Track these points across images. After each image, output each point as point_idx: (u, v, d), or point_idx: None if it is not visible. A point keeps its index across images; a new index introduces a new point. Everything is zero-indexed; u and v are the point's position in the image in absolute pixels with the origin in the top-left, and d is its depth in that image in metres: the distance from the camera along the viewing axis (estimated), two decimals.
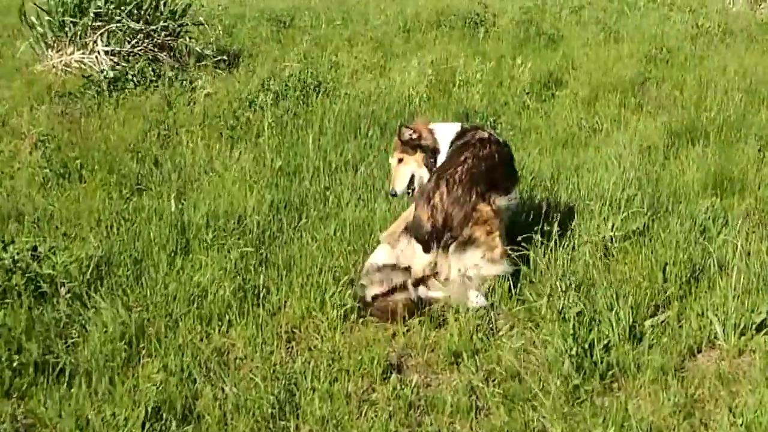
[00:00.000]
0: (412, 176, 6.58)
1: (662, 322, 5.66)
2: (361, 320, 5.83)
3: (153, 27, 12.64)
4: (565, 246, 6.45)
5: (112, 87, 10.97)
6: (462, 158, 6.24)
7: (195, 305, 5.83)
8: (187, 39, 13.30)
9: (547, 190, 7.81)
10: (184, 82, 11.26)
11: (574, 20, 16.65)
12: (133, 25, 12.36)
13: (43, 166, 8.33)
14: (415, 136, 6.53)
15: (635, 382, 5.10)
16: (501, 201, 6.24)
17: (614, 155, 8.68)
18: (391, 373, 5.23)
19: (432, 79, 11.49)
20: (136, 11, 12.53)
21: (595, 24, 16.06)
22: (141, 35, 12.50)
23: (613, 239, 6.65)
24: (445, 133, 6.57)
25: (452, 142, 6.48)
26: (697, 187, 7.94)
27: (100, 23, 12.26)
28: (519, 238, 6.25)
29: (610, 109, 10.64)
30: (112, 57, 12.12)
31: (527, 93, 11.24)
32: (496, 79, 11.88)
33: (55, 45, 12.37)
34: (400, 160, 6.59)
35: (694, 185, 7.97)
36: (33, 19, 12.66)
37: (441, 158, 6.48)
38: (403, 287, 5.99)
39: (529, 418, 4.79)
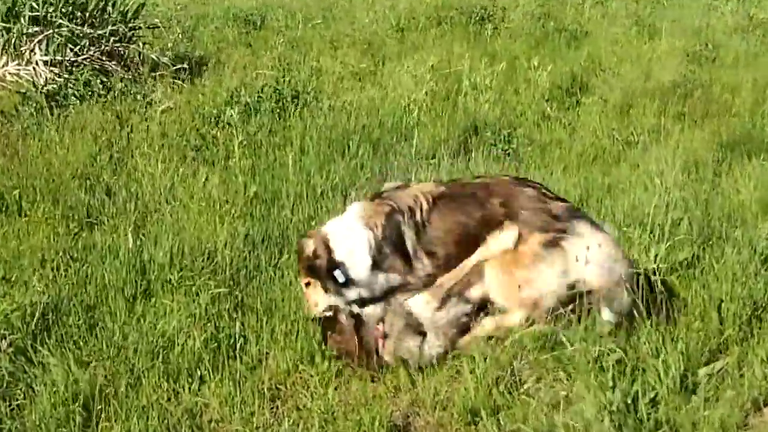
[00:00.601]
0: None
1: (719, 370, 5.64)
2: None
3: (100, 32, 12.70)
4: None
5: (53, 103, 11.01)
6: (479, 181, 6.38)
7: (160, 359, 5.82)
8: (141, 45, 13.35)
9: None
10: (138, 95, 11.30)
11: (600, 13, 16.80)
12: (75, 29, 12.37)
13: None
14: (310, 253, 6.20)
15: None
16: None
17: (654, 173, 8.70)
18: None
19: (433, 86, 11.57)
20: (79, 14, 12.56)
21: (626, 17, 16.19)
22: (86, 41, 12.53)
23: (657, 272, 6.65)
24: (346, 230, 6.25)
25: (373, 237, 6.17)
26: (756, 208, 7.99)
27: (37, 29, 12.29)
28: None
29: (648, 118, 10.72)
30: (52, 68, 12.14)
31: (547, 100, 11.34)
32: (510, 84, 11.98)
33: None
34: (308, 284, 6.28)
35: (751, 206, 8.03)
36: None
37: (356, 268, 6.15)
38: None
39: None
